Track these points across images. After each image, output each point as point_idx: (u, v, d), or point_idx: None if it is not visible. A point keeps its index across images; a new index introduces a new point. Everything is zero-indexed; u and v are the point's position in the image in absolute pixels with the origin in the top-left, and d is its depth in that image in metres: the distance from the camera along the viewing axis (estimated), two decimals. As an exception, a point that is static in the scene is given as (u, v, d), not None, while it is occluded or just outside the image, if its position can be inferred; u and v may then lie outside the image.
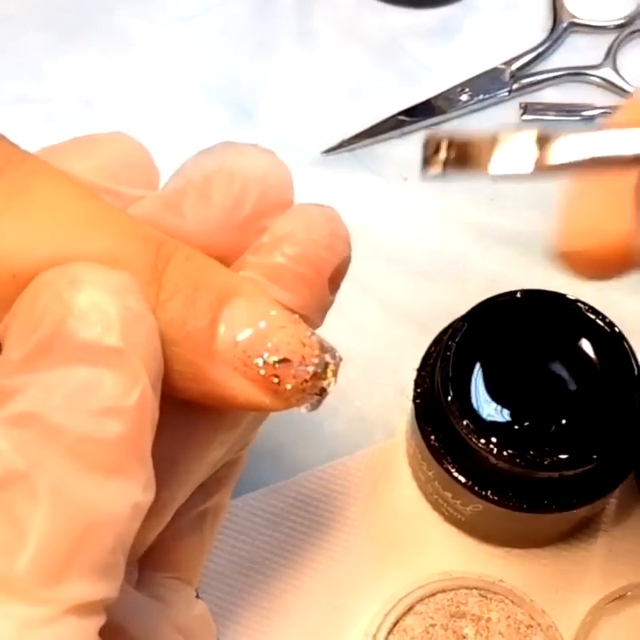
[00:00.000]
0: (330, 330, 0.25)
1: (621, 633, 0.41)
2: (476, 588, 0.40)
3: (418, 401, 0.40)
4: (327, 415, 0.45)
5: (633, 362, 0.37)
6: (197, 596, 0.28)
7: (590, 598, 0.41)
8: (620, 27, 0.54)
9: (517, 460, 0.36)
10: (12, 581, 0.18)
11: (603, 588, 0.41)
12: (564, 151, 0.21)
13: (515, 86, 0.53)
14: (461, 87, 0.53)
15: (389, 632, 0.39)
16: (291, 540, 0.42)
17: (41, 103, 0.53)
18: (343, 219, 0.25)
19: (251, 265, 0.24)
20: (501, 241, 0.49)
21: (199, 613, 0.27)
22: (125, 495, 0.19)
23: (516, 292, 0.39)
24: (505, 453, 0.36)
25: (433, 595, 0.40)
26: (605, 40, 0.54)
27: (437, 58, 0.55)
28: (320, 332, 0.24)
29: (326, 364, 0.23)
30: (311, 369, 0.22)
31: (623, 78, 0.53)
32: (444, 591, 0.40)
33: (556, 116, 0.52)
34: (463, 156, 0.22)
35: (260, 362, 0.22)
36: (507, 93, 0.53)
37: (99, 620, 0.19)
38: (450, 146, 0.22)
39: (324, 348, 0.23)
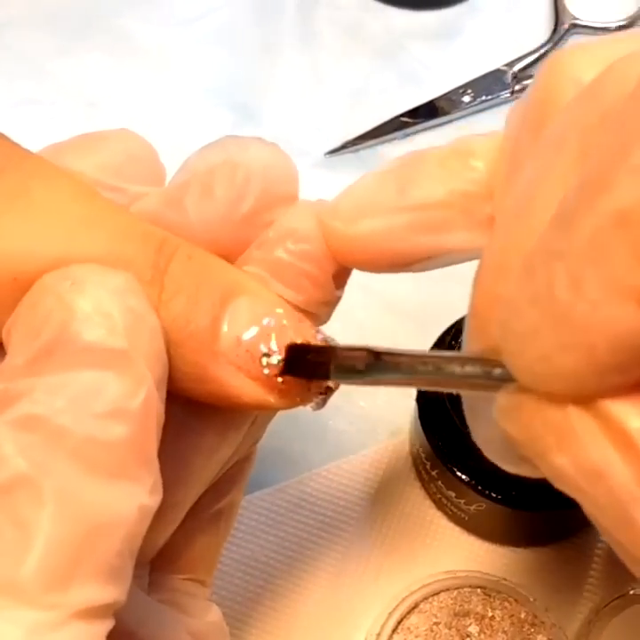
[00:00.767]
0: (331, 330, 0.25)
1: (624, 631, 0.41)
2: (480, 587, 0.40)
3: (421, 401, 0.40)
4: (331, 415, 0.45)
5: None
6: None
7: (593, 597, 0.41)
8: (622, 28, 0.54)
9: (520, 459, 0.36)
10: (18, 586, 0.18)
11: (606, 586, 0.41)
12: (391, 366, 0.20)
13: (517, 87, 0.53)
14: (463, 88, 0.53)
15: (394, 630, 0.39)
16: (295, 539, 0.42)
17: (46, 105, 0.53)
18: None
19: (255, 260, 0.24)
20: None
21: (213, 620, 0.27)
22: (131, 498, 0.19)
23: (518, 292, 0.39)
24: (508, 452, 0.36)
25: (437, 593, 0.40)
26: (607, 41, 0.54)
27: (440, 59, 0.55)
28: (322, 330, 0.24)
29: None
30: (316, 368, 0.22)
31: (625, 79, 0.53)
32: (447, 590, 0.40)
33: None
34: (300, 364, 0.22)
35: (264, 361, 0.22)
36: (509, 94, 0.53)
37: (107, 625, 0.19)
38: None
39: None
